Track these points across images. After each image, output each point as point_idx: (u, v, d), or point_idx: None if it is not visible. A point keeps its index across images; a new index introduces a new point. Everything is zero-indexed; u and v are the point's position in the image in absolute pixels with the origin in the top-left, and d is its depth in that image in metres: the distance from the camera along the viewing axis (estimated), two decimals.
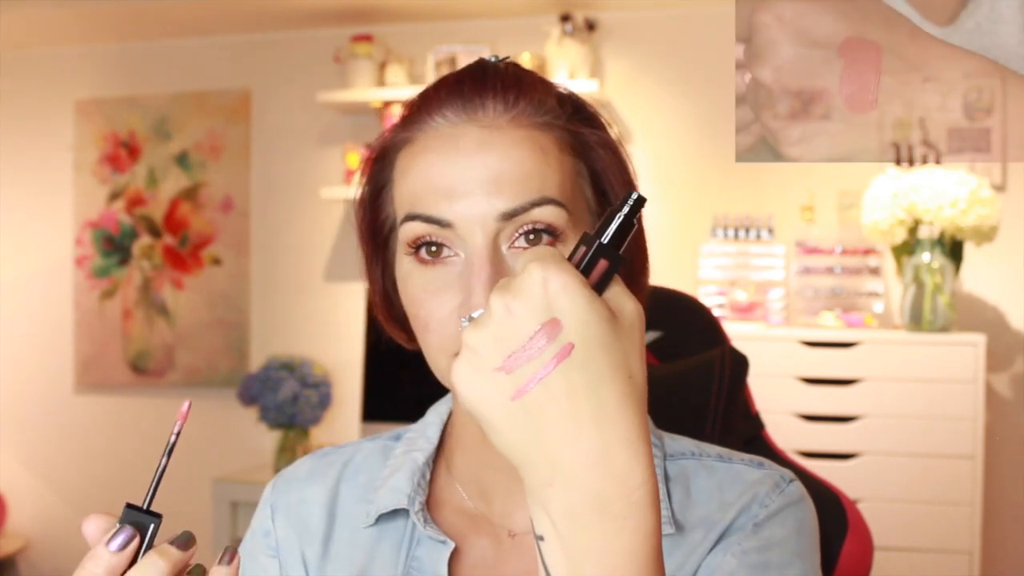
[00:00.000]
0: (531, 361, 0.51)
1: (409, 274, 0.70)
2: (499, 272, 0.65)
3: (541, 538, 0.52)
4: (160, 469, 0.58)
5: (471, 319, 0.62)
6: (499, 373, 0.52)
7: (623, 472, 0.51)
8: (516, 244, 0.66)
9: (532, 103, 0.70)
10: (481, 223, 0.66)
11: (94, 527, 0.57)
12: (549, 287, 0.51)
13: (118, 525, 0.56)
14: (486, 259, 0.65)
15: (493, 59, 0.74)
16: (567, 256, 0.55)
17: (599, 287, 0.54)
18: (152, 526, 0.56)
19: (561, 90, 0.75)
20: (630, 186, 0.74)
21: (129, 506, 0.56)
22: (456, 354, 0.63)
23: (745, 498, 0.75)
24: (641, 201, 0.55)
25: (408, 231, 0.68)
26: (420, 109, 0.71)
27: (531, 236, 0.66)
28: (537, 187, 0.66)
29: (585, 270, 0.54)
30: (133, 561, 0.56)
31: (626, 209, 0.55)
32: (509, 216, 0.66)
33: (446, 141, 0.68)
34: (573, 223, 0.67)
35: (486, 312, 0.53)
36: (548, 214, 0.66)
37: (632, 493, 0.51)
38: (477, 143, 0.67)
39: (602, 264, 0.54)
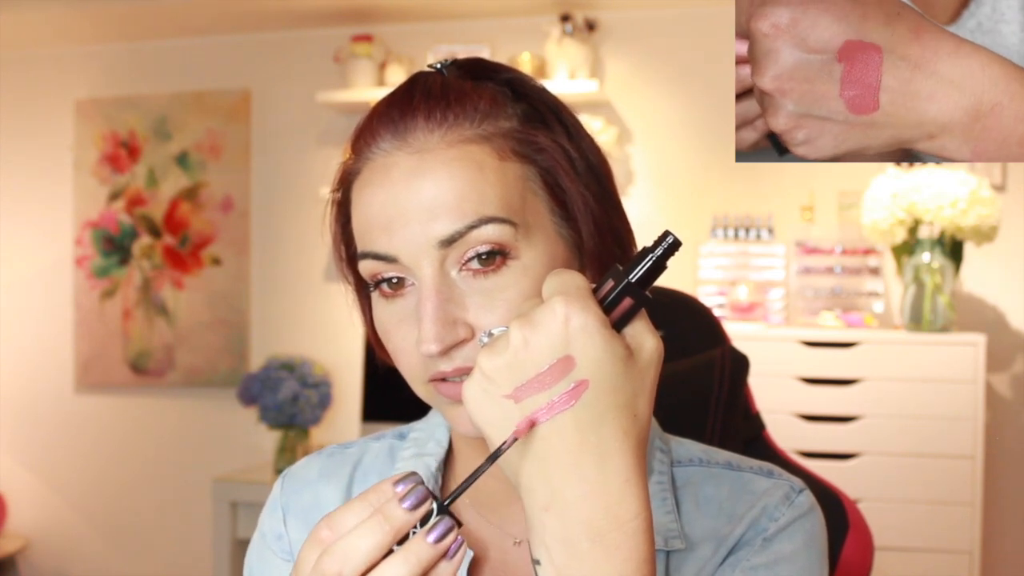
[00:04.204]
0: (540, 393, 0.54)
1: (376, 306, 0.69)
2: (448, 299, 0.64)
3: (537, 562, 0.55)
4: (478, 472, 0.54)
5: (490, 335, 0.61)
6: (508, 400, 0.55)
7: (618, 504, 0.54)
8: (467, 266, 0.64)
9: (464, 114, 0.66)
10: (423, 253, 0.64)
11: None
12: (570, 325, 0.54)
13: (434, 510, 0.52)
14: (432, 289, 0.64)
15: (437, 66, 0.71)
16: (593, 285, 0.57)
17: (620, 323, 0.56)
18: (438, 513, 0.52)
19: (512, 86, 0.70)
20: (588, 178, 0.70)
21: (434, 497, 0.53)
22: (429, 381, 0.67)
23: (755, 511, 0.74)
24: (676, 244, 0.56)
25: (364, 269, 0.68)
26: (360, 138, 0.69)
27: (483, 256, 0.64)
28: (474, 208, 0.63)
29: (609, 305, 0.56)
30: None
31: (659, 251, 0.56)
32: (448, 243, 0.63)
33: (381, 173, 0.66)
34: (524, 233, 0.65)
35: (503, 339, 0.55)
36: (490, 233, 0.63)
37: (626, 524, 0.54)
38: (408, 172, 0.65)
39: (626, 302, 0.56)
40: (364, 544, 0.50)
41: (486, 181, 0.64)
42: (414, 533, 0.51)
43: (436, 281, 0.64)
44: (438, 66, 0.71)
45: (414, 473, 0.53)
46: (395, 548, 0.51)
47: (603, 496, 0.54)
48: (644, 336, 0.57)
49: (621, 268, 0.57)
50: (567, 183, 0.68)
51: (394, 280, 0.67)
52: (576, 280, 0.57)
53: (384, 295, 0.68)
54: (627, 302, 0.56)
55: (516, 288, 0.64)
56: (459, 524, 0.52)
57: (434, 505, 0.52)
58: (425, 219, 0.64)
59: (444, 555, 0.51)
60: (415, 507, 0.51)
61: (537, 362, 0.54)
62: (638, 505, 0.54)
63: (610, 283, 0.56)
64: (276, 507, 0.83)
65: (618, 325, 0.56)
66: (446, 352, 0.64)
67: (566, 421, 0.54)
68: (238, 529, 3.03)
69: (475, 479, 0.53)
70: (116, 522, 3.62)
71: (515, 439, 0.54)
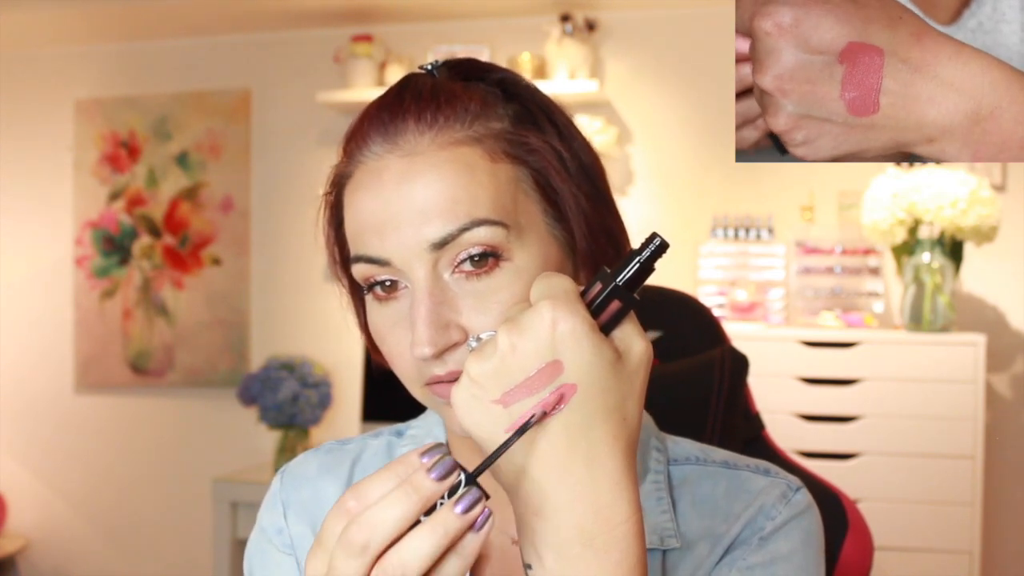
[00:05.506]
0: (529, 398, 0.54)
1: (370, 310, 0.69)
2: (441, 302, 0.64)
3: (529, 566, 0.55)
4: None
5: (479, 339, 0.61)
6: (497, 405, 0.55)
7: (608, 508, 0.54)
8: (460, 268, 0.64)
9: (454, 116, 0.65)
10: (415, 256, 0.63)
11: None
12: (558, 329, 0.54)
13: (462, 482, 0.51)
14: (425, 292, 0.63)
15: (427, 67, 0.71)
16: (581, 288, 0.57)
17: (608, 326, 0.56)
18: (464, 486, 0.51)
19: (503, 87, 0.70)
20: (580, 179, 0.69)
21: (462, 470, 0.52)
22: (425, 384, 0.66)
23: (751, 510, 0.74)
24: (663, 246, 0.56)
25: (357, 272, 0.67)
26: (351, 141, 0.68)
27: (476, 258, 0.63)
28: (466, 210, 0.63)
29: (597, 308, 0.56)
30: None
31: (646, 253, 0.56)
32: (440, 245, 0.63)
33: (373, 176, 0.65)
34: (517, 235, 0.64)
35: (491, 344, 0.55)
36: (482, 235, 0.63)
37: (616, 528, 0.54)
38: (399, 175, 0.64)
39: (614, 305, 0.56)
40: (392, 514, 0.49)
41: (477, 183, 0.64)
42: (441, 504, 0.50)
43: (429, 284, 0.64)
44: (428, 67, 0.71)
45: (441, 444, 0.52)
46: (422, 519, 0.50)
47: (593, 500, 0.53)
48: (632, 339, 0.57)
49: (609, 271, 0.56)
50: (559, 184, 0.68)
51: (387, 283, 0.66)
52: (564, 284, 0.56)
53: (378, 298, 0.68)
54: (615, 305, 0.55)
55: (509, 290, 0.64)
56: (487, 496, 0.51)
57: (462, 476, 0.51)
58: (417, 222, 0.63)
59: (471, 527, 0.50)
60: (443, 477, 0.50)
61: (525, 367, 0.54)
62: (629, 508, 0.54)
63: (598, 286, 0.56)
64: (276, 502, 0.83)
65: (606, 328, 0.56)
66: (439, 355, 0.64)
67: (555, 426, 0.54)
68: (238, 529, 3.03)
69: (503, 452, 0.53)
70: (116, 522, 3.62)
71: (544, 412, 0.53)
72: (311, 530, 0.81)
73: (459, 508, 0.50)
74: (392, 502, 0.50)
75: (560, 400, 0.54)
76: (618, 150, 3.13)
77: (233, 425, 3.43)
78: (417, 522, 0.50)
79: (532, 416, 0.53)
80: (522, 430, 0.53)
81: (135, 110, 3.57)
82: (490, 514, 0.51)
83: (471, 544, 0.50)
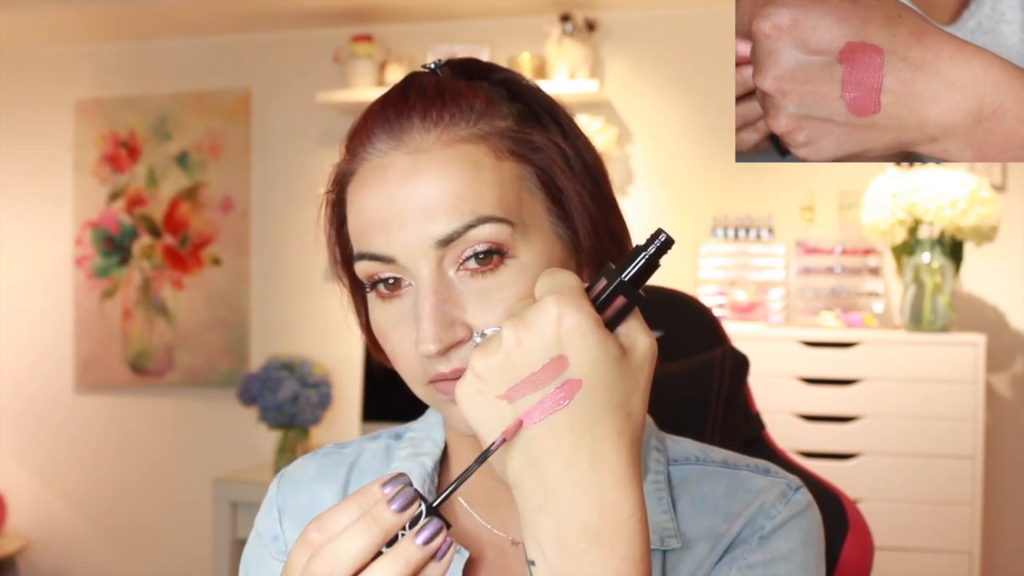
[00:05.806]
0: (534, 393, 0.54)
1: (373, 308, 0.69)
2: (446, 299, 0.64)
3: (532, 563, 0.55)
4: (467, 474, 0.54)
5: (484, 335, 0.61)
6: (502, 401, 0.55)
7: (612, 504, 0.53)
8: (465, 266, 0.64)
9: (460, 114, 0.65)
10: (421, 253, 0.63)
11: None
12: (563, 324, 0.54)
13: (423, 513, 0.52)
14: (430, 289, 0.63)
15: (431, 66, 0.71)
16: (586, 284, 0.57)
17: (614, 322, 0.56)
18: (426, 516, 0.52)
19: (507, 86, 0.70)
20: (584, 177, 0.69)
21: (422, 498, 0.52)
22: (429, 382, 0.66)
23: (751, 509, 0.74)
24: (668, 242, 0.56)
25: (360, 270, 0.67)
26: (355, 139, 0.68)
27: (481, 256, 0.64)
28: (471, 208, 0.63)
29: (603, 304, 0.55)
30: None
31: (652, 249, 0.55)
32: (446, 242, 0.63)
33: (377, 173, 0.65)
34: (522, 233, 0.64)
35: (496, 340, 0.55)
36: (487, 233, 0.63)
37: (621, 524, 0.53)
38: (405, 172, 0.64)
39: (620, 301, 0.55)
40: (353, 547, 0.50)
41: (483, 181, 0.64)
42: (403, 535, 0.51)
43: (434, 281, 0.64)
44: (432, 66, 0.71)
45: (402, 474, 0.53)
46: (384, 550, 0.51)
47: (598, 496, 0.53)
48: (637, 335, 0.56)
49: (614, 267, 0.56)
50: (563, 182, 0.68)
51: (390, 281, 0.66)
52: (569, 279, 0.57)
53: (381, 296, 0.67)
54: (620, 301, 0.55)
55: (514, 287, 0.64)
56: (448, 525, 0.52)
57: (423, 506, 0.52)
58: (422, 219, 0.63)
59: (433, 556, 0.51)
60: (403, 509, 0.51)
61: (530, 362, 0.54)
62: (633, 504, 0.54)
63: (603, 282, 0.56)
64: (272, 508, 0.82)
65: (611, 324, 0.56)
66: (444, 352, 0.64)
67: (560, 421, 0.54)
68: (238, 529, 3.03)
69: (464, 480, 0.53)
70: (116, 522, 3.62)
71: (503, 440, 0.53)
72: None
73: (420, 539, 0.51)
74: (353, 534, 0.51)
75: (520, 426, 0.54)
76: (618, 150, 3.13)
77: (233, 425, 3.43)
78: (380, 553, 0.51)
79: (493, 443, 0.54)
80: (483, 457, 0.53)
81: (135, 110, 3.57)
82: (451, 543, 0.52)
83: (433, 574, 0.51)
